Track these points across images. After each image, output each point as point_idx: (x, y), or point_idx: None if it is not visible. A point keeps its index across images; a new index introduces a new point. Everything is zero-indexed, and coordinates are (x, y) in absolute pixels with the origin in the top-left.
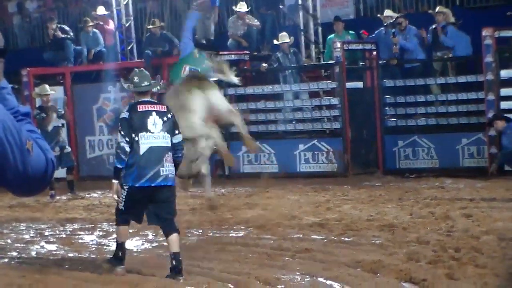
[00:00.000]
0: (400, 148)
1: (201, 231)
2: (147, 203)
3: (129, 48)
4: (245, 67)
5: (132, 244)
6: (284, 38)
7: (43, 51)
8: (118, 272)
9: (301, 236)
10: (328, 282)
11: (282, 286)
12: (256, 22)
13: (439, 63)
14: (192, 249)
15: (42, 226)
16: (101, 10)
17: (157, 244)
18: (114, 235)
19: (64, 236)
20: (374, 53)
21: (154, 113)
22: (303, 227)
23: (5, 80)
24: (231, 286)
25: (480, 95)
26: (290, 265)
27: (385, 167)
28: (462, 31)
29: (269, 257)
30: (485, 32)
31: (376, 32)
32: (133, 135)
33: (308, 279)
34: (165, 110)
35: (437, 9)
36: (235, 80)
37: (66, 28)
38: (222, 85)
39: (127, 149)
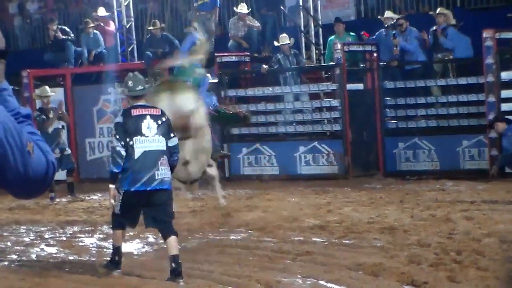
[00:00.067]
0: (400, 150)
1: (201, 233)
2: (142, 208)
3: (129, 49)
4: (246, 68)
5: (132, 247)
6: (285, 39)
7: (43, 53)
8: (115, 277)
9: (301, 238)
10: (329, 285)
11: None
12: (256, 23)
13: (440, 65)
14: (193, 251)
15: (42, 229)
16: (101, 11)
17: (157, 247)
18: None
19: (64, 238)
20: (375, 54)
21: (148, 117)
22: (303, 229)
23: (6, 82)
24: None
25: (480, 97)
26: (291, 267)
27: (386, 169)
28: (462, 33)
29: (270, 259)
30: (486, 33)
31: (376, 33)
32: (128, 140)
33: (309, 282)
34: (160, 113)
35: (438, 10)
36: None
37: (67, 29)
38: (222, 87)
39: (123, 153)
